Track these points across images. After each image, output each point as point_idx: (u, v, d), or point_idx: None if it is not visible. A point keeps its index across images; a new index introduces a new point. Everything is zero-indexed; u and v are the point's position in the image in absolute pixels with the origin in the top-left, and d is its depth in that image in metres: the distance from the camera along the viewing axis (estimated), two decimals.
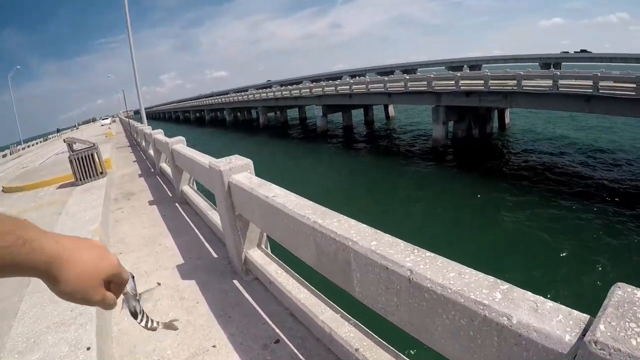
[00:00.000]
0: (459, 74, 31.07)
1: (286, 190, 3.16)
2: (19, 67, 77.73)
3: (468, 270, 1.58)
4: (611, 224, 16.08)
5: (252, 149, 41.50)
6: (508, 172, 24.50)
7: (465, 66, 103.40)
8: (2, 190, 16.74)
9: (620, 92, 21.57)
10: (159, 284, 4.80)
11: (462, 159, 28.03)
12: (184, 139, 8.20)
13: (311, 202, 2.79)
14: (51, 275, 0.84)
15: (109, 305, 0.98)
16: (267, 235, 4.26)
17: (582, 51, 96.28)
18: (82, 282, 0.88)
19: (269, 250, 4.29)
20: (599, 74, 22.28)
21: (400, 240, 2.00)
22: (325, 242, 2.32)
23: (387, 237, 2.05)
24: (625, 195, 18.92)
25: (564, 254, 13.84)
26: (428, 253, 1.82)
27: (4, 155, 47.89)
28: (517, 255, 14.16)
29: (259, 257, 4.11)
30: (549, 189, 20.66)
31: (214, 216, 6.02)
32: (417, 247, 1.91)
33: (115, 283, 1.00)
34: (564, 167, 24.35)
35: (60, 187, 12.82)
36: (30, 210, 10.44)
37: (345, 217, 2.43)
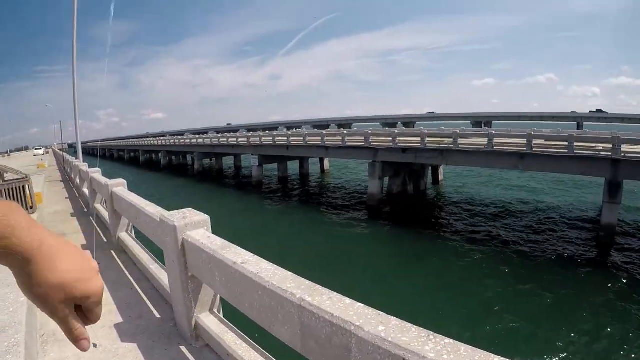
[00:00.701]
0: (396, 131, 32.34)
1: (257, 256, 2.80)
2: None
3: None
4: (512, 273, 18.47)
5: (186, 195, 41.26)
6: (438, 228, 25.82)
7: (400, 123, 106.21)
8: None
9: (552, 150, 23.08)
10: (94, 345, 4.30)
11: (397, 215, 29.01)
12: (124, 182, 7.70)
13: (290, 272, 2.47)
14: (25, 271, 0.78)
15: (69, 332, 0.84)
16: (221, 298, 3.88)
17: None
18: (52, 291, 0.79)
19: (221, 315, 3.90)
20: (532, 132, 23.70)
21: (411, 325, 1.72)
22: (315, 324, 2.00)
23: (394, 320, 1.77)
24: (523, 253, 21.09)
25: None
26: (447, 340, 1.57)
27: None
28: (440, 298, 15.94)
29: (213, 324, 3.67)
30: (470, 241, 22.52)
31: (157, 271, 5.55)
32: (431, 332, 1.64)
33: (90, 311, 0.88)
34: (483, 225, 25.93)
35: None
36: None
37: (335, 293, 2.13)
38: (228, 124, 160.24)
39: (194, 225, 3.58)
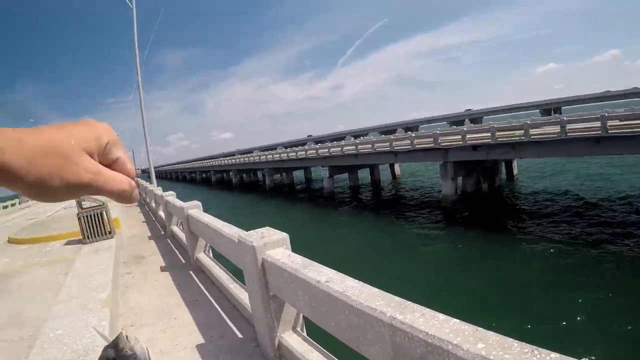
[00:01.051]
0: (465, 128, 31.13)
1: (341, 274, 2.74)
2: (32, 120, 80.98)
3: None
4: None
5: (260, 212, 41.39)
6: (518, 228, 24.08)
7: (467, 120, 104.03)
8: (8, 241, 16.52)
9: (629, 130, 21.50)
10: None
11: (473, 215, 27.60)
12: (200, 204, 7.87)
13: (377, 289, 2.41)
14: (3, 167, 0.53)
15: (110, 184, 0.62)
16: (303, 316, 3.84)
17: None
18: (47, 158, 0.55)
19: (305, 334, 3.86)
20: (606, 114, 22.24)
21: (512, 340, 1.63)
22: (408, 343, 1.93)
23: (494, 336, 1.67)
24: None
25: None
26: (553, 354, 1.47)
27: (13, 204, 47.83)
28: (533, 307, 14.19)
29: (296, 343, 3.65)
30: (554, 242, 20.44)
31: (237, 290, 5.61)
32: (535, 346, 1.54)
33: (116, 161, 0.65)
34: (566, 221, 23.91)
35: (67, 243, 12.50)
36: (34, 266, 10.11)
37: (427, 309, 2.05)
38: (309, 135, 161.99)
39: (273, 244, 3.58)
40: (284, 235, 3.67)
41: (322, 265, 2.98)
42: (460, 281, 17.60)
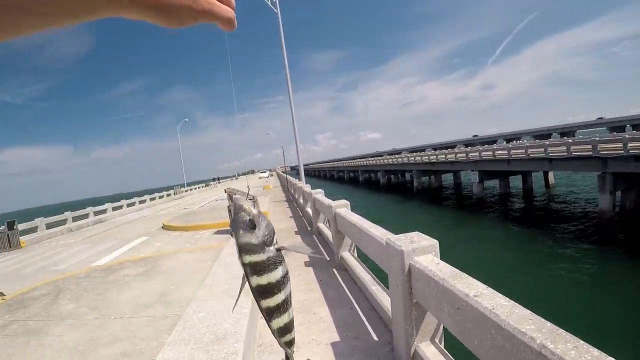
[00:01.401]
0: (627, 135, 27.73)
1: (491, 289, 2.63)
2: (187, 119, 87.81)
3: None
4: None
5: (406, 214, 40.93)
6: None
7: (628, 125, 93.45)
8: (162, 227, 18.12)
9: None
10: None
11: (633, 236, 24.03)
12: (348, 203, 7.99)
13: (529, 311, 2.28)
14: None
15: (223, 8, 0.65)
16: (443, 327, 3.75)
17: None
18: None
19: (442, 346, 3.77)
20: None
21: None
22: None
23: None
24: None
25: None
26: None
27: (168, 195, 52.45)
28: None
29: (433, 354, 3.56)
30: None
31: (378, 292, 5.63)
32: None
33: None
34: None
35: (217, 233, 13.38)
36: (184, 252, 10.89)
37: (582, 341, 1.90)
38: (474, 136, 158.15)
39: (421, 251, 3.53)
40: (433, 242, 3.60)
41: (470, 277, 2.88)
42: (611, 311, 16.02)
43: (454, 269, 3.10)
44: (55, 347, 5.74)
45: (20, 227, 20.29)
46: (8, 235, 18.86)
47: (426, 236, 3.74)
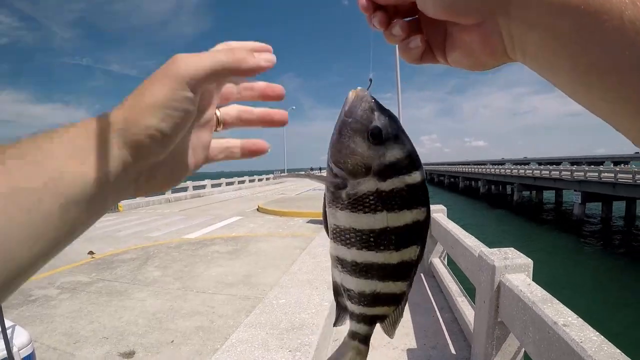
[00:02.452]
0: None
1: (581, 320, 2.52)
2: (294, 107, 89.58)
3: None
4: None
5: (500, 226, 39.79)
6: None
7: None
8: (257, 209, 18.65)
9: None
10: None
11: None
12: (445, 209, 7.88)
13: (619, 350, 2.16)
14: None
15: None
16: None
17: None
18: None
19: None
20: None
21: None
22: None
23: None
24: None
25: None
26: None
27: (267, 178, 53.85)
28: None
29: None
30: None
31: (463, 304, 5.53)
32: None
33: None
34: None
35: (309, 222, 13.57)
36: (275, 237, 11.16)
37: None
38: (524, 157, 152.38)
39: (514, 269, 3.43)
40: (527, 261, 3.49)
41: (561, 304, 2.77)
42: None
43: (546, 292, 2.99)
44: (135, 310, 6.12)
45: None
46: None
47: (521, 254, 3.63)
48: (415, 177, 0.61)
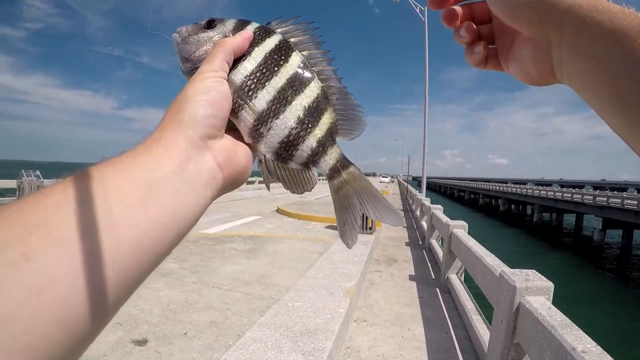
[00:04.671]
0: None
1: (600, 348, 2.52)
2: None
3: None
4: None
5: (518, 247, 39.33)
6: None
7: None
8: (276, 210, 18.77)
9: None
10: None
11: None
12: (466, 225, 7.87)
13: None
14: None
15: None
16: None
17: None
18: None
19: None
20: None
21: None
22: None
23: None
24: None
25: None
26: None
27: None
28: None
29: None
30: None
31: (478, 323, 5.51)
32: None
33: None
34: None
35: (328, 227, 13.62)
36: (292, 239, 11.21)
37: None
38: (542, 177, 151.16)
39: (534, 291, 3.42)
40: (549, 284, 3.47)
41: (580, 330, 2.76)
42: None
43: (565, 317, 2.99)
44: (150, 300, 6.18)
45: None
46: None
47: (542, 277, 3.62)
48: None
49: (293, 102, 0.67)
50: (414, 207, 20.69)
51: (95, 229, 0.41)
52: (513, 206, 73.62)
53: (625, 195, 40.99)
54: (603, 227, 40.71)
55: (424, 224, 13.21)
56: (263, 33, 0.69)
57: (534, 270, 3.77)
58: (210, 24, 0.69)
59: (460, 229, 7.62)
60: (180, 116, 0.55)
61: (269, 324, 4.82)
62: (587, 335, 2.69)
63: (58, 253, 0.38)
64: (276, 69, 0.67)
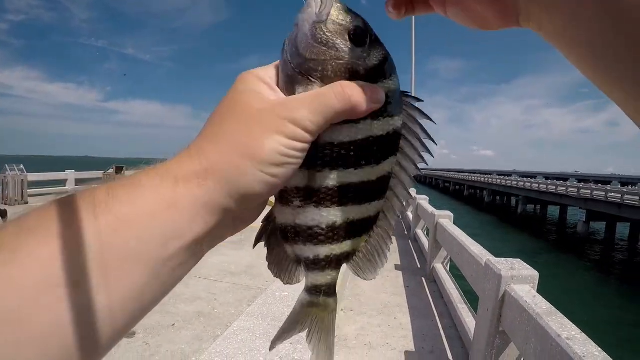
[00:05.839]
0: None
1: (585, 335, 2.56)
2: None
3: None
4: None
5: (502, 237, 39.60)
6: None
7: None
8: None
9: None
10: None
11: None
12: (451, 215, 7.92)
13: None
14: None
15: (340, 99, 0.50)
16: None
17: None
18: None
19: None
20: None
21: None
22: None
23: None
24: None
25: None
26: None
27: None
28: None
29: None
30: None
31: (464, 312, 5.58)
32: None
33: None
34: None
35: None
36: None
37: None
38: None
39: (520, 280, 3.47)
40: (534, 273, 3.52)
41: (565, 318, 2.80)
42: None
43: (550, 305, 3.03)
44: None
45: (128, 173, 21.59)
46: (115, 179, 20.26)
47: (528, 266, 3.67)
48: (395, 81, 0.56)
49: (342, 208, 0.58)
50: None
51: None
52: (498, 198, 74.09)
53: (609, 188, 41.63)
54: (587, 220, 41.28)
55: (410, 215, 13.25)
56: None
57: (519, 260, 3.82)
58: (361, 40, 0.54)
59: (446, 219, 7.66)
60: (224, 168, 0.47)
61: (256, 314, 4.84)
62: (572, 323, 2.73)
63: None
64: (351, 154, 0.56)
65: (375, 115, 0.54)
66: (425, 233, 10.51)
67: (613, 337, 16.79)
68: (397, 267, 8.46)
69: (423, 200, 10.89)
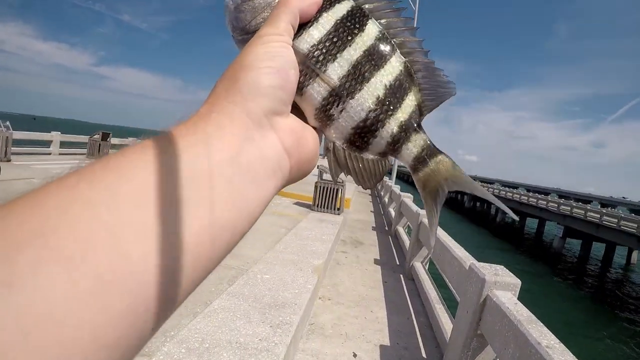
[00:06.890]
0: None
1: (563, 345, 2.62)
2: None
3: None
4: None
5: (479, 243, 39.92)
6: None
7: None
8: None
9: None
10: (355, 354, 4.62)
11: None
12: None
13: None
14: None
15: None
16: None
17: None
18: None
19: None
20: None
21: None
22: None
23: None
24: None
25: None
26: None
27: None
28: None
29: None
30: None
31: (441, 312, 5.66)
32: None
33: None
34: None
35: (297, 204, 13.64)
36: (263, 214, 11.24)
37: None
38: (623, 197, 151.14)
39: (502, 286, 3.54)
40: (516, 281, 3.59)
41: (545, 327, 2.87)
42: None
43: (531, 314, 3.10)
44: None
45: (113, 141, 21.16)
46: (100, 145, 19.91)
47: (511, 273, 3.74)
48: None
49: (371, 80, 0.57)
50: (382, 193, 20.86)
51: (106, 244, 0.29)
52: (478, 204, 74.59)
53: (589, 207, 42.15)
54: (564, 235, 42.00)
55: (392, 211, 13.35)
56: None
57: (502, 266, 3.90)
58: None
59: (407, 198, 7.73)
60: (237, 86, 0.45)
61: (237, 294, 4.87)
62: (551, 333, 2.80)
63: (54, 276, 0.26)
64: (350, 38, 0.57)
65: (324, 7, 0.56)
66: (407, 231, 10.59)
67: (582, 350, 17.03)
68: (376, 262, 8.55)
69: (407, 198, 10.96)
